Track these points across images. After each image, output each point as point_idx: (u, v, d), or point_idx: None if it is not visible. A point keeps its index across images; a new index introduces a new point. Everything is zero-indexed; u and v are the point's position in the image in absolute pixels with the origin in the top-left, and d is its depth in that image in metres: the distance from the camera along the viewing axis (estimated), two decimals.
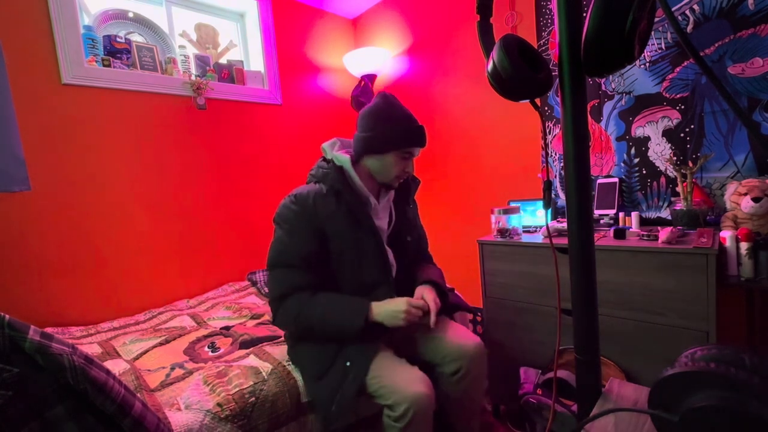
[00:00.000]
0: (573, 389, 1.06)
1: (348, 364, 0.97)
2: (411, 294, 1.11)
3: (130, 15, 1.87)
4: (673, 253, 1.08)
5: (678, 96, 1.36)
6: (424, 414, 0.89)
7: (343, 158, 1.08)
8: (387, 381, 0.94)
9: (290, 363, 1.12)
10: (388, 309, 1.00)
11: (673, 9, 1.33)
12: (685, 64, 1.34)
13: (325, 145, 1.14)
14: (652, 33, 1.35)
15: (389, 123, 1.05)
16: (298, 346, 1.10)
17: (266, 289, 1.83)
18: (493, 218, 1.57)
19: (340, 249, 1.04)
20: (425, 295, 1.07)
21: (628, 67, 1.46)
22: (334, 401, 0.94)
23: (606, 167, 1.57)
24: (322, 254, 1.05)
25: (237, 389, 0.98)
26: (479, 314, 1.70)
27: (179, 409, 0.93)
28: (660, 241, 1.14)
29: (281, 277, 1.03)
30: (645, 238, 1.20)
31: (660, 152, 1.42)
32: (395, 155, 1.06)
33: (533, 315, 1.40)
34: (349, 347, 1.00)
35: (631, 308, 1.17)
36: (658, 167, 1.43)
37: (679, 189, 1.30)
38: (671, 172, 1.40)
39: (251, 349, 1.22)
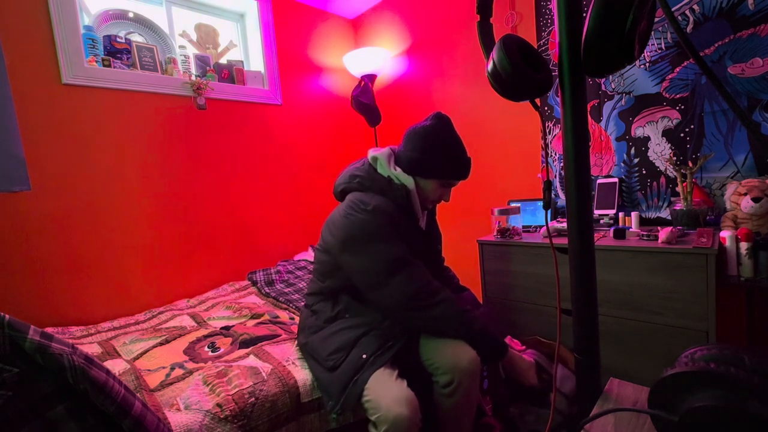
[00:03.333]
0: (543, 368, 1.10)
1: (364, 356, 0.99)
2: None
3: (130, 15, 1.87)
4: (673, 253, 1.08)
5: (678, 96, 1.36)
6: None
7: (409, 181, 1.08)
8: (375, 395, 0.94)
9: (290, 362, 1.12)
10: (524, 366, 1.07)
11: (673, 9, 1.33)
12: (685, 64, 1.34)
13: (381, 158, 1.11)
14: (652, 33, 1.35)
15: (440, 150, 1.05)
16: (318, 336, 1.11)
17: (266, 289, 1.83)
18: (493, 218, 1.57)
19: None
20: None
21: (628, 67, 1.47)
22: (345, 392, 0.96)
23: (606, 167, 1.57)
24: None
25: (237, 389, 0.98)
26: None
27: (179, 410, 0.93)
28: (660, 241, 1.15)
29: (411, 275, 1.02)
30: (645, 238, 1.20)
31: (660, 152, 1.42)
32: (437, 182, 1.08)
33: (533, 315, 1.40)
34: (368, 339, 1.03)
35: (631, 308, 1.17)
36: (658, 167, 1.43)
37: (679, 189, 1.30)
38: (671, 172, 1.40)
39: (251, 348, 1.22)
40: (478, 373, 1.06)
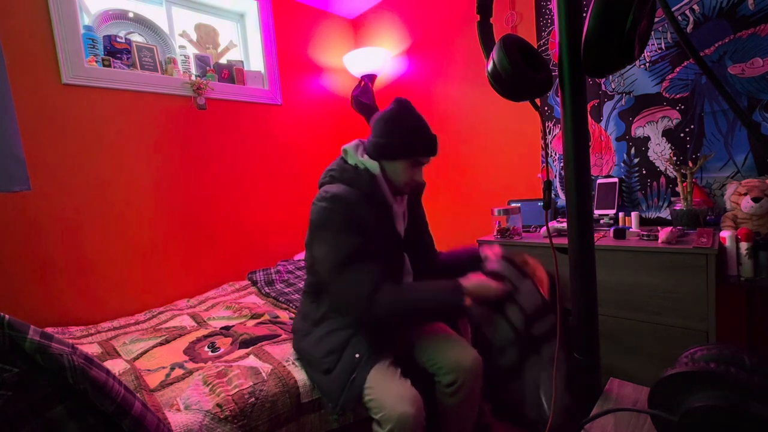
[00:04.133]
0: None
1: (357, 355, 0.99)
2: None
3: (130, 15, 1.87)
4: (673, 253, 1.08)
5: (678, 96, 1.36)
6: None
7: (373, 165, 1.07)
8: (378, 394, 0.94)
9: (290, 363, 1.12)
10: (481, 283, 1.00)
11: (673, 9, 1.33)
12: (685, 64, 1.34)
13: (349, 148, 1.13)
14: (652, 33, 1.35)
15: (402, 131, 1.06)
16: (309, 339, 1.11)
17: (266, 289, 1.83)
18: (493, 218, 1.57)
19: (372, 239, 1.04)
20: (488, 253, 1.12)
21: (628, 67, 1.47)
22: (343, 393, 0.97)
23: (606, 167, 1.57)
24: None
25: (237, 390, 0.98)
26: None
27: (179, 410, 0.93)
28: (660, 241, 1.15)
29: (359, 274, 0.99)
30: (645, 238, 1.20)
31: (660, 152, 1.42)
32: (405, 163, 1.07)
33: None
34: (359, 338, 1.03)
35: (631, 308, 1.17)
36: (658, 167, 1.43)
37: (679, 189, 1.30)
38: (671, 172, 1.40)
39: (251, 349, 1.22)
40: (481, 372, 1.06)
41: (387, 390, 0.94)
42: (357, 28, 2.68)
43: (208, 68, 2.00)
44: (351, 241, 0.99)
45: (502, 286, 1.00)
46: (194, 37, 2.05)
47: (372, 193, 1.06)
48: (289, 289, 1.81)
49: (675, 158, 1.36)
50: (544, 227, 1.47)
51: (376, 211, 1.06)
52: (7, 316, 0.58)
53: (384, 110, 1.09)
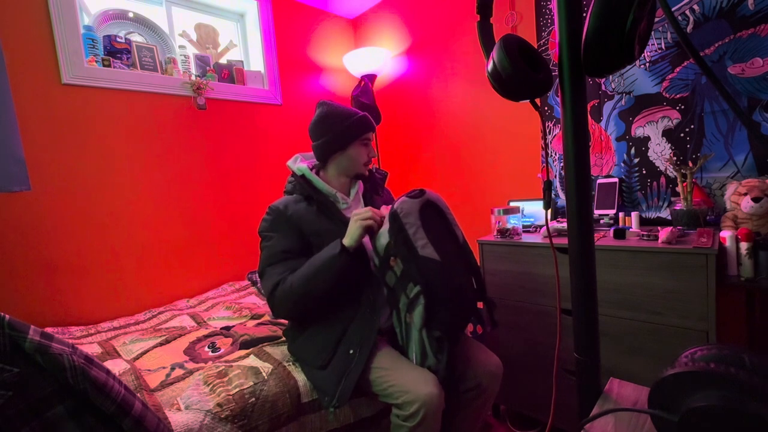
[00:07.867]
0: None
1: (351, 351, 1.01)
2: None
3: (130, 15, 1.87)
4: (673, 253, 1.08)
5: (678, 96, 1.36)
6: (434, 414, 0.91)
7: (301, 167, 1.20)
8: (396, 381, 0.96)
9: (290, 363, 1.12)
10: (353, 223, 1.02)
11: (673, 9, 1.33)
12: (685, 64, 1.34)
13: (289, 162, 1.26)
14: (652, 33, 1.35)
15: (340, 121, 1.15)
16: (300, 340, 1.13)
17: None
18: (493, 218, 1.57)
19: (321, 245, 1.07)
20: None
21: (628, 67, 1.47)
22: (339, 386, 0.98)
23: (606, 167, 1.57)
24: (306, 250, 1.10)
25: (237, 389, 0.98)
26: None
27: (179, 409, 0.93)
28: (660, 241, 1.14)
29: (270, 274, 1.07)
30: (645, 238, 1.20)
31: (660, 152, 1.42)
32: (356, 145, 1.17)
33: (533, 315, 1.40)
34: (350, 335, 1.04)
35: (631, 308, 1.17)
36: (658, 167, 1.43)
37: (679, 189, 1.30)
38: (671, 172, 1.40)
39: (251, 349, 1.22)
40: (501, 377, 1.10)
41: (405, 374, 0.96)
42: (357, 28, 2.68)
43: (208, 68, 2.00)
44: (271, 245, 1.09)
45: (374, 213, 1.01)
46: (194, 37, 2.06)
47: (311, 193, 1.15)
48: None
49: (675, 158, 1.36)
50: (544, 227, 1.47)
51: (318, 207, 1.14)
52: (7, 316, 0.58)
53: (313, 118, 1.19)
